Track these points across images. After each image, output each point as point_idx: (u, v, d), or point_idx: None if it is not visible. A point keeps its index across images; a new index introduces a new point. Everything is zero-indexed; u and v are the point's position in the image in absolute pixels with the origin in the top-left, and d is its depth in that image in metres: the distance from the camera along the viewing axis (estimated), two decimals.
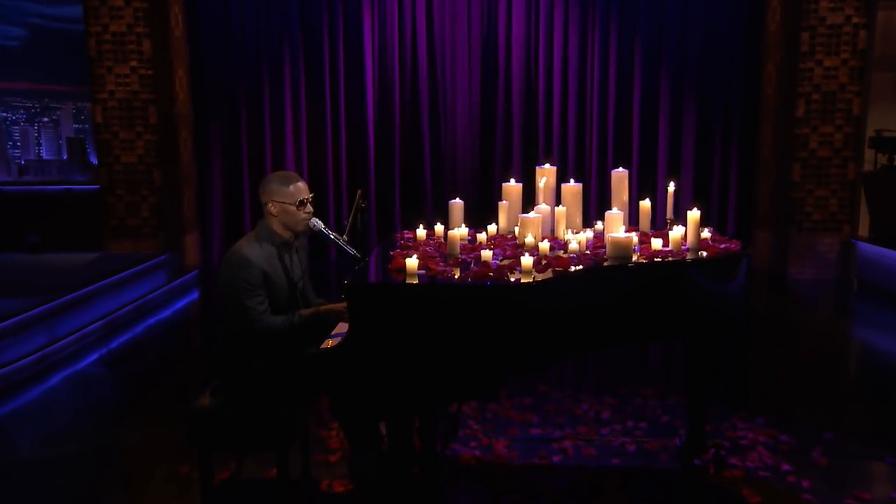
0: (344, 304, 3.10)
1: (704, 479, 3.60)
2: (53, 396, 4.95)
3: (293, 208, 3.14)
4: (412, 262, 2.84)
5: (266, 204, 3.18)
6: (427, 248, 3.33)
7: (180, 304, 7.36)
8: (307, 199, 3.18)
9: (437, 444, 3.56)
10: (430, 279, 2.82)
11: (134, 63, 7.90)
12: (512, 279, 2.81)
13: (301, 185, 3.19)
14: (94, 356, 5.71)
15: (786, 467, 3.69)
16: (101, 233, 8.14)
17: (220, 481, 3.50)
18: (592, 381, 5.17)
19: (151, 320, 6.74)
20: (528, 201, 3.77)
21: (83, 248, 7.93)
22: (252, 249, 3.12)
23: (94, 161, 8.71)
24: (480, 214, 4.56)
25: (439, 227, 3.69)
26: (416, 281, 2.80)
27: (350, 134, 9.03)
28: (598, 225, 3.77)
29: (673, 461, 3.76)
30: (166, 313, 6.99)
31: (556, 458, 3.79)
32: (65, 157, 9.24)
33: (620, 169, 3.78)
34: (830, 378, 5.22)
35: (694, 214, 3.33)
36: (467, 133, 9.01)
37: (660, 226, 3.90)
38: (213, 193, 8.97)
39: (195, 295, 7.81)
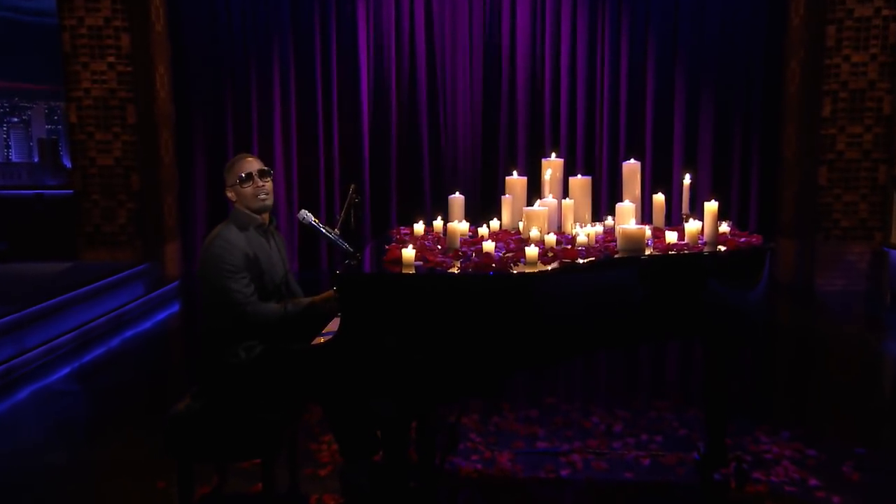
0: None
1: (725, 494, 3.59)
2: (20, 411, 4.94)
3: (239, 187, 3.25)
4: (409, 253, 2.85)
5: (226, 193, 3.34)
6: (425, 242, 3.34)
7: (160, 316, 7.36)
8: (254, 171, 3.25)
9: (436, 456, 3.56)
10: (428, 270, 2.83)
11: (111, 59, 7.95)
12: (515, 271, 2.82)
13: (244, 162, 3.29)
14: (66, 370, 5.71)
15: (814, 482, 3.68)
16: (75, 241, 8.15)
17: (200, 496, 3.49)
18: (603, 393, 5.19)
19: (128, 333, 6.74)
20: (534, 196, 3.79)
21: (55, 257, 7.94)
22: (231, 232, 3.21)
23: (68, 164, 8.74)
24: (483, 211, 4.59)
25: (438, 223, 3.71)
26: (412, 272, 2.81)
27: (343, 134, 9.08)
28: (609, 220, 3.78)
29: (691, 475, 3.75)
30: (144, 326, 6.99)
31: (563, 472, 3.78)
32: (36, 160, 9.27)
33: (632, 160, 3.80)
34: (862, 392, 5.21)
35: (711, 206, 3.34)
36: (468, 130, 9.04)
37: (675, 223, 3.92)
38: (195, 200, 8.99)
39: (176, 307, 7.81)
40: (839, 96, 8.05)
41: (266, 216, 3.33)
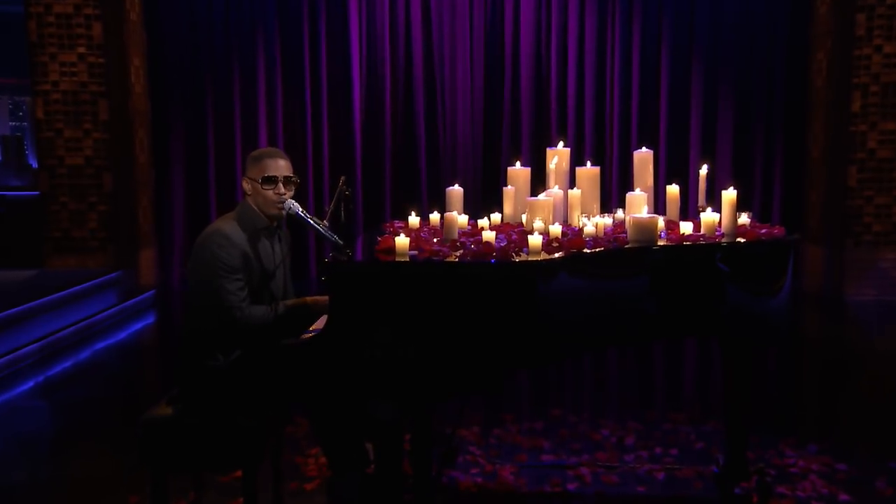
0: None
1: None
2: None
3: (258, 186, 3.22)
4: (402, 241, 2.88)
5: (242, 182, 3.32)
6: (421, 234, 3.37)
7: (134, 327, 7.38)
8: (280, 177, 3.23)
9: (433, 468, 3.57)
10: (424, 259, 2.86)
11: (82, 50, 8.00)
12: (518, 260, 2.85)
13: (275, 161, 3.26)
14: (30, 383, 5.72)
15: (844, 497, 3.70)
16: (41, 247, 8.15)
17: None
18: (614, 404, 5.22)
19: (99, 345, 6.75)
20: (538, 188, 3.82)
21: (19, 265, 7.94)
22: (232, 228, 3.20)
23: (34, 163, 8.78)
24: (484, 205, 4.61)
25: (435, 216, 3.74)
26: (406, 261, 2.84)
27: (334, 126, 9.11)
28: (619, 213, 3.81)
29: (709, 490, 3.77)
30: (117, 338, 7.00)
31: (571, 486, 3.81)
32: None
33: (644, 149, 3.83)
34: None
35: (730, 194, 3.36)
36: (468, 120, 9.07)
37: (691, 217, 3.94)
38: (173, 202, 9.02)
39: (151, 318, 7.82)
40: (870, 90, 8.09)
41: (275, 220, 3.33)
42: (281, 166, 3.26)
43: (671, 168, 8.84)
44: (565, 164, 3.84)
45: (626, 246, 3.12)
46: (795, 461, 4.08)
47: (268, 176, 3.22)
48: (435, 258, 2.86)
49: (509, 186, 3.84)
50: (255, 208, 3.27)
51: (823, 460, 4.10)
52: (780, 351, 6.19)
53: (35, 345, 6.24)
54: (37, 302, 6.55)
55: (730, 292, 3.27)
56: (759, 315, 3.44)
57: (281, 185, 3.24)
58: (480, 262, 2.79)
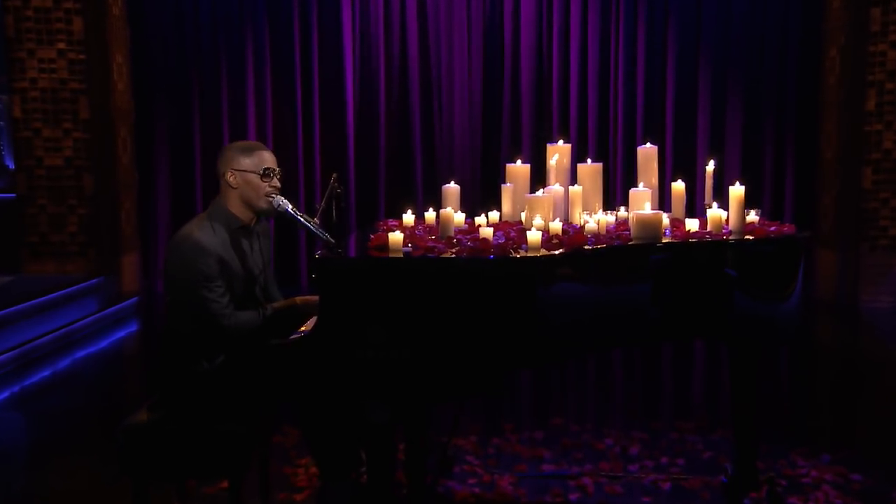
0: None
1: None
2: None
3: (257, 178, 3.21)
4: (396, 237, 2.89)
5: (224, 174, 3.24)
6: (416, 232, 3.39)
7: (116, 336, 7.38)
8: (275, 170, 3.25)
9: (428, 477, 3.58)
10: (419, 255, 2.88)
11: (62, 45, 8.00)
12: (516, 256, 2.86)
13: (270, 154, 3.29)
14: (6, 393, 5.72)
15: None
16: (18, 251, 8.13)
17: None
18: (618, 413, 5.23)
19: (79, 354, 6.75)
20: (538, 186, 3.84)
21: None
22: (205, 233, 3.18)
23: (11, 164, 8.79)
24: (482, 204, 4.62)
25: (431, 214, 3.75)
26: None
27: (325, 132, 9.11)
28: (622, 211, 3.83)
29: (717, 500, 3.78)
30: (98, 346, 7.00)
31: (572, 496, 3.82)
32: None
33: (648, 145, 3.85)
34: None
35: (737, 190, 3.39)
36: (466, 117, 9.08)
37: (697, 215, 3.96)
38: (157, 205, 9.03)
39: (134, 326, 7.82)
40: (885, 87, 8.10)
41: (253, 217, 3.34)
42: (271, 158, 3.29)
43: (677, 167, 8.85)
44: (566, 161, 3.87)
45: (630, 243, 3.14)
46: (808, 471, 4.09)
47: (266, 169, 3.23)
48: (430, 255, 2.88)
49: (508, 184, 3.86)
50: (238, 205, 3.25)
51: (837, 470, 4.10)
52: (793, 358, 6.20)
53: (11, 353, 6.22)
54: (13, 309, 6.54)
55: (737, 292, 3.29)
56: (767, 316, 3.46)
57: (276, 178, 3.26)
58: (478, 258, 2.81)
